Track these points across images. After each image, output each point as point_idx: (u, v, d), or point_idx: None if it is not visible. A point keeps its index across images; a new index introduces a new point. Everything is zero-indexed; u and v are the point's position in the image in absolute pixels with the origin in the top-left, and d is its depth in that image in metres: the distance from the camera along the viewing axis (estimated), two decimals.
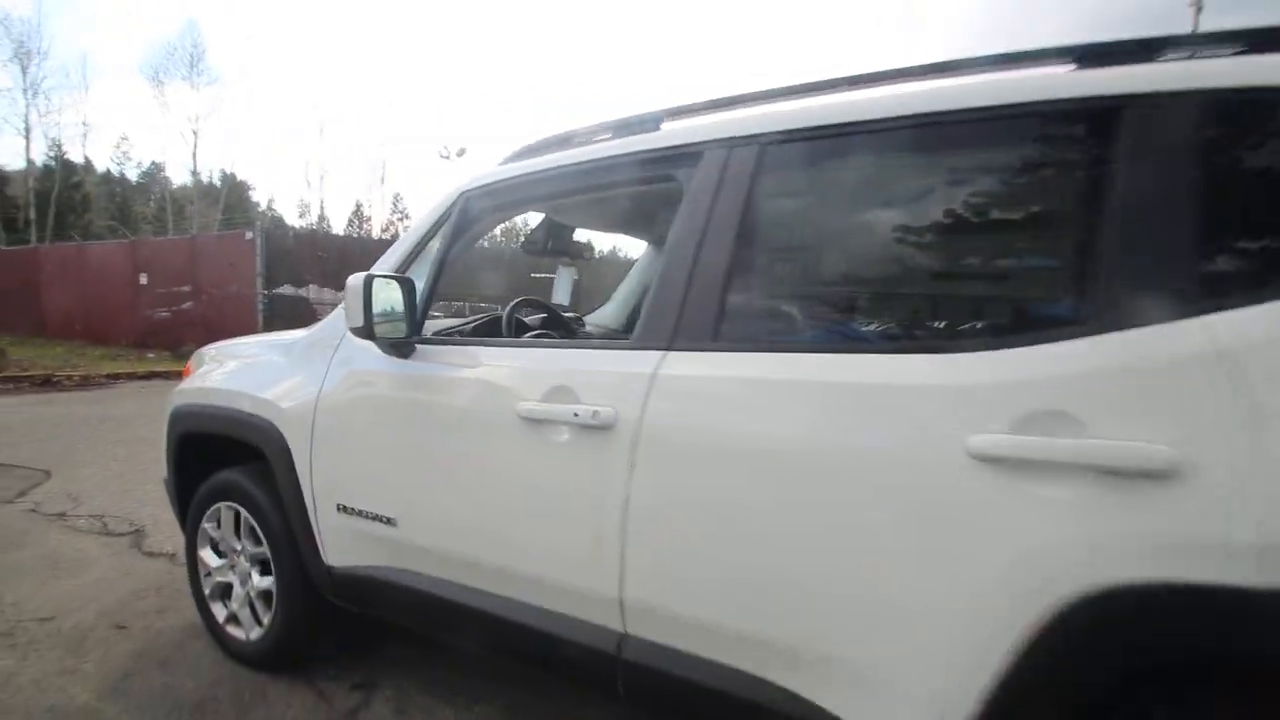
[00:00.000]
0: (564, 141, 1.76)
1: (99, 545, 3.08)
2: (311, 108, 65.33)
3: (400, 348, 1.67)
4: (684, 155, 1.40)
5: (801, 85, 1.39)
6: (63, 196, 29.85)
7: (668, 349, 1.30)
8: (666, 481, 1.25)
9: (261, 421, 1.89)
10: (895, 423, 1.05)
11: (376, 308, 1.58)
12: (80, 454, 4.82)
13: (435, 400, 1.62)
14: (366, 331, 1.57)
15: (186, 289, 12.63)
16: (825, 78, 1.35)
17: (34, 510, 3.56)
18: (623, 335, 2.73)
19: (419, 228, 1.86)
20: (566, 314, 2.46)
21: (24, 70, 29.02)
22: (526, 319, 2.23)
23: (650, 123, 1.55)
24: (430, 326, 2.00)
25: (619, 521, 1.28)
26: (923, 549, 1.02)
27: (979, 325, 1.16)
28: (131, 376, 9.83)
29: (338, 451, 1.77)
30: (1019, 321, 1.12)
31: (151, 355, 11.84)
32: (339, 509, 1.75)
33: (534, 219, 2.49)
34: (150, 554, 2.98)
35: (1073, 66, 1.17)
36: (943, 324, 1.19)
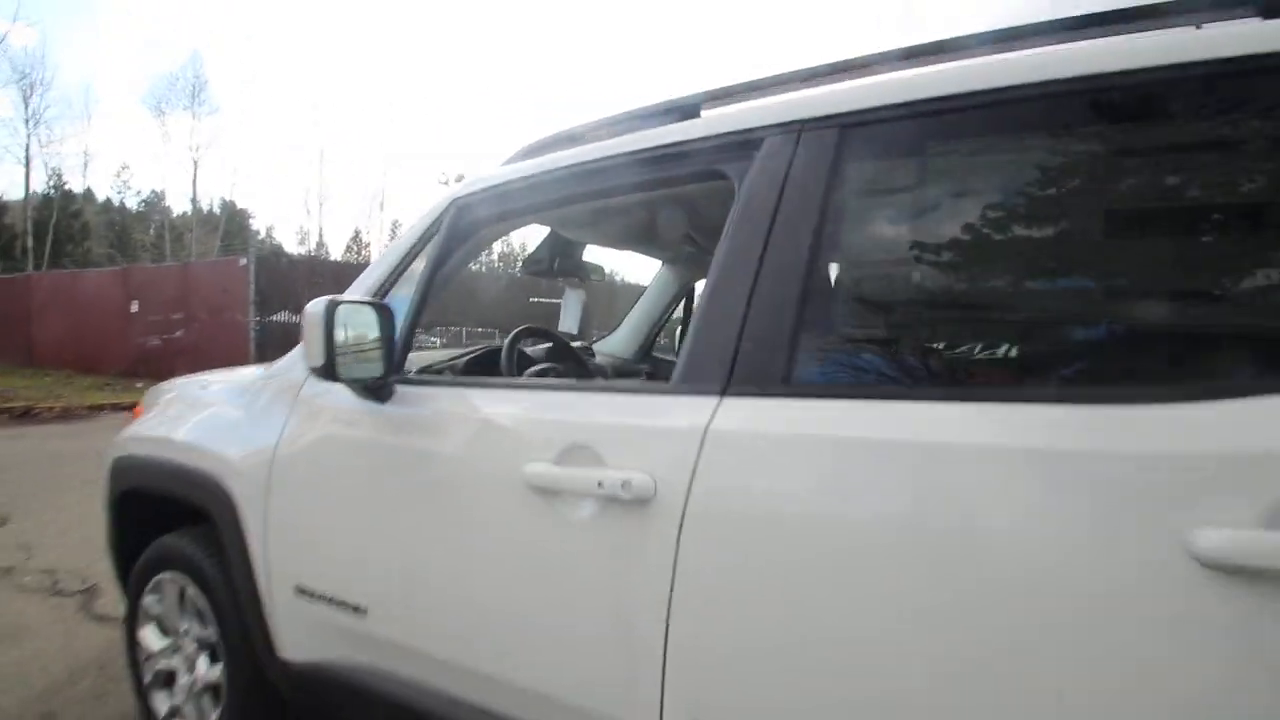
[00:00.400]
0: (575, 137, 1.45)
1: (45, 608, 2.71)
2: (310, 129, 65.78)
3: (375, 389, 1.33)
4: (737, 144, 1.09)
5: (889, 53, 1.07)
6: (61, 225, 29.74)
7: (721, 395, 0.98)
8: (724, 578, 0.92)
9: (203, 478, 1.55)
10: (1070, 505, 0.73)
11: (345, 340, 1.26)
12: (45, 495, 4.45)
13: (417, 458, 1.28)
14: (328, 371, 1.23)
15: (178, 316, 12.33)
16: (922, 42, 1.04)
17: None
18: (639, 367, 2.41)
19: (402, 244, 1.54)
20: (575, 344, 2.14)
21: (26, 101, 29.12)
22: (530, 350, 1.90)
23: (688, 109, 1.25)
24: (416, 360, 1.68)
25: (658, 632, 0.94)
26: (1115, 696, 0.69)
27: (1195, 364, 0.80)
28: (116, 408, 9.46)
29: (297, 519, 1.43)
30: (1262, 360, 0.75)
31: (140, 385, 11.47)
32: (297, 591, 1.41)
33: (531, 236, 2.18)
34: (100, 619, 2.62)
35: (1256, 18, 0.88)
36: (1135, 363, 0.84)
